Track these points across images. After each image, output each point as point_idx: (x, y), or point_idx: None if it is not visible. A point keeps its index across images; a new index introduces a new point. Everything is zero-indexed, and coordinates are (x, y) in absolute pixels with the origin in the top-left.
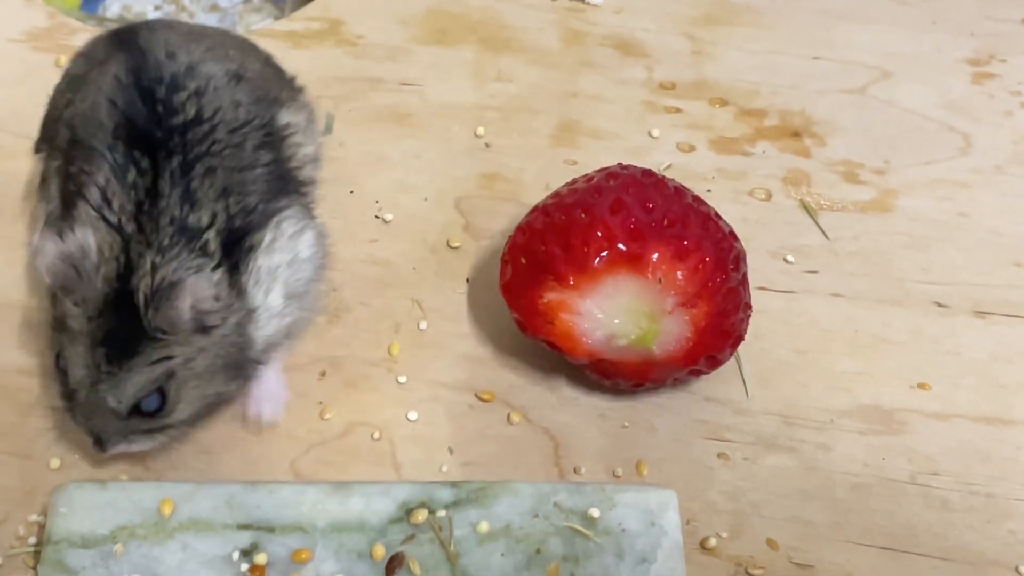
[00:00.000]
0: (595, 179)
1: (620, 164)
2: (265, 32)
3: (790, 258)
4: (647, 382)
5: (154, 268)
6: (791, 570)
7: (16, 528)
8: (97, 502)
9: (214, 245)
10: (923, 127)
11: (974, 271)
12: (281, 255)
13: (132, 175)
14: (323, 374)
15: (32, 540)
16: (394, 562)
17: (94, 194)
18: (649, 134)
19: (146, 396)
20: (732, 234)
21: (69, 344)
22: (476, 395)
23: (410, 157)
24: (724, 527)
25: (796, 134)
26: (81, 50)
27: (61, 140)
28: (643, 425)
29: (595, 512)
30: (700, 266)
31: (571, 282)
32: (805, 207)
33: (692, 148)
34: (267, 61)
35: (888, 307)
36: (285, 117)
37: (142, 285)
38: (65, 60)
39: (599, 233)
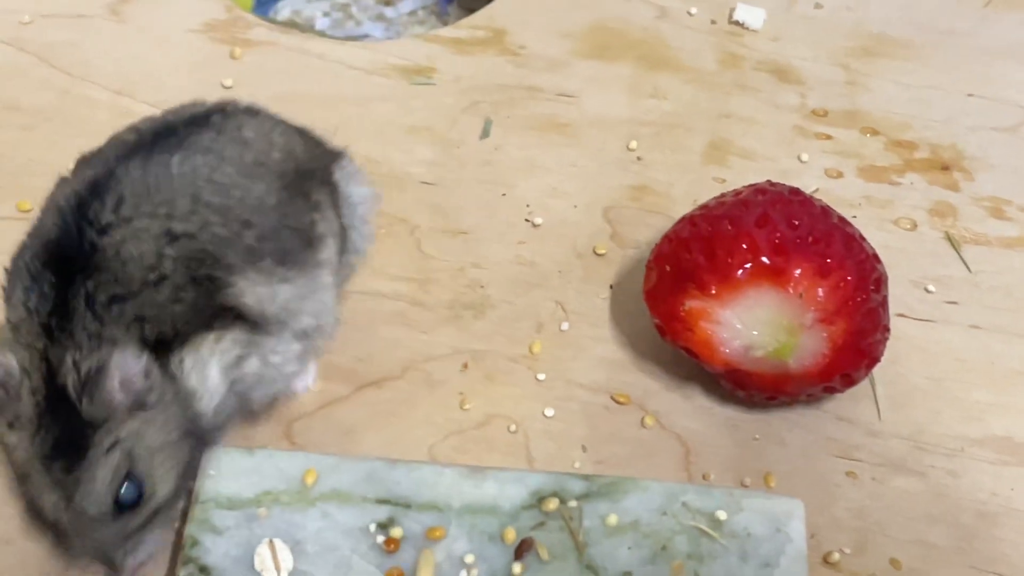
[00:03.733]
0: (743, 194)
1: (769, 181)
2: (431, 38)
3: (931, 288)
4: (781, 395)
5: (76, 364)
6: None
7: None
8: (244, 467)
9: (136, 344)
10: None
11: None
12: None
13: (45, 289)
14: (465, 366)
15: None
16: (523, 546)
17: (12, 312)
18: (798, 158)
19: (120, 486)
20: (875, 256)
21: (26, 481)
22: (612, 397)
23: (563, 165)
24: (848, 543)
25: (945, 167)
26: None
27: None
28: (774, 438)
29: (722, 514)
30: (841, 284)
31: (713, 291)
32: (949, 239)
33: (840, 174)
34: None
35: None
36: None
37: (70, 381)
38: (240, 52)
39: (744, 245)
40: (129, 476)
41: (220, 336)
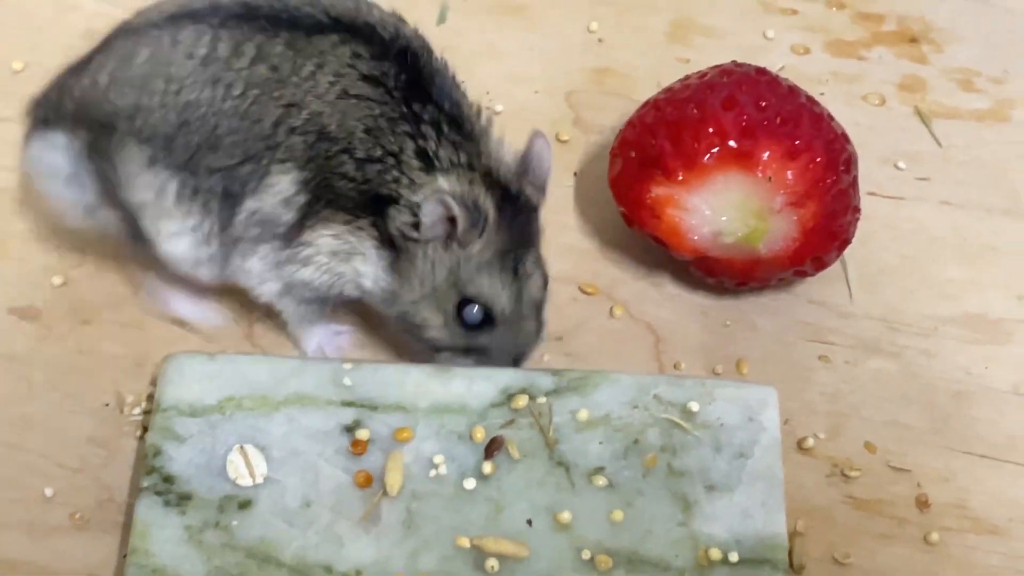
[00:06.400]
0: (708, 75)
1: (734, 62)
2: None
3: (901, 164)
4: (751, 281)
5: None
6: (887, 474)
7: (125, 396)
8: (206, 372)
9: None
10: None
11: None
12: None
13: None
14: None
15: (138, 409)
16: (493, 445)
17: (415, 162)
18: (764, 35)
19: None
20: (844, 136)
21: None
22: (579, 287)
23: (523, 49)
24: (822, 428)
25: (914, 40)
26: (201, 47)
27: (289, 149)
28: (745, 324)
29: (694, 405)
30: (811, 166)
31: (680, 177)
32: (919, 114)
33: (807, 50)
34: None
35: (999, 217)
36: None
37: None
38: None
39: (710, 129)
40: None
41: None
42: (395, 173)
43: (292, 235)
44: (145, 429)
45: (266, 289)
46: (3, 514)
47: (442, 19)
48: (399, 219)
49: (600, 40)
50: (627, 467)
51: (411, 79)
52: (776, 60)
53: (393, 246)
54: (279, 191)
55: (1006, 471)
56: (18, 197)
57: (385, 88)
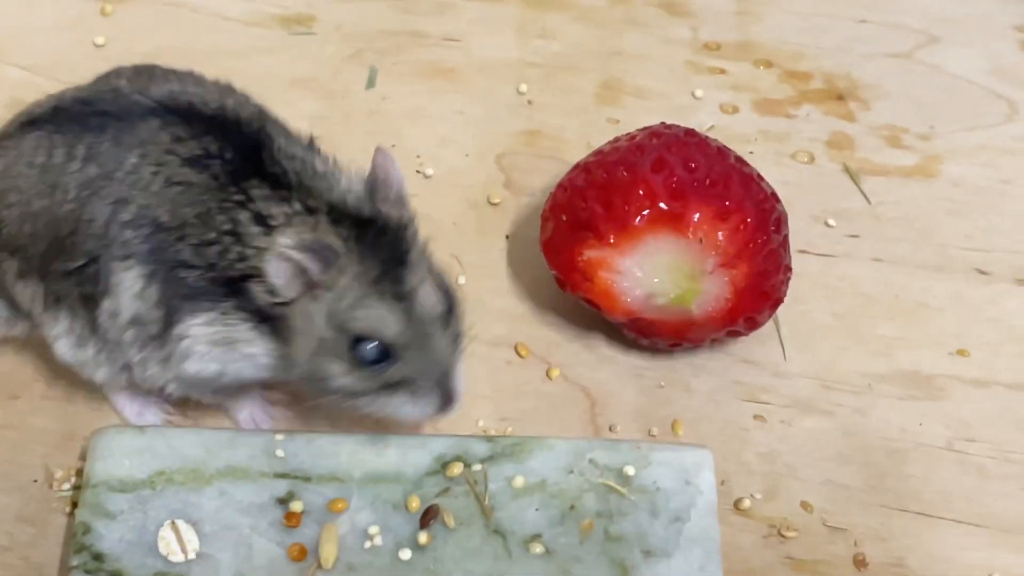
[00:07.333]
0: (638, 137)
1: (663, 123)
2: None
3: (831, 222)
4: (685, 342)
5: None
6: (824, 533)
7: (54, 471)
8: (136, 447)
9: None
10: (969, 92)
11: (1016, 238)
12: None
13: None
14: None
15: (67, 485)
16: (429, 514)
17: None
18: (693, 95)
19: (444, 286)
20: (774, 195)
21: (348, 321)
22: (515, 350)
23: (453, 112)
24: (758, 489)
25: (840, 97)
26: (39, 155)
27: (124, 245)
28: (680, 385)
29: (630, 470)
30: (741, 227)
31: (611, 240)
32: (848, 171)
33: (735, 109)
34: None
35: (929, 273)
36: None
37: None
38: (110, 9)
39: (640, 191)
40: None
41: None
42: (237, 250)
43: (164, 331)
44: (75, 505)
45: (172, 389)
46: None
47: (371, 83)
48: (259, 292)
49: (530, 102)
50: (564, 533)
51: (238, 153)
52: (705, 119)
53: (268, 317)
54: (128, 287)
55: (941, 527)
56: None
57: (209, 172)
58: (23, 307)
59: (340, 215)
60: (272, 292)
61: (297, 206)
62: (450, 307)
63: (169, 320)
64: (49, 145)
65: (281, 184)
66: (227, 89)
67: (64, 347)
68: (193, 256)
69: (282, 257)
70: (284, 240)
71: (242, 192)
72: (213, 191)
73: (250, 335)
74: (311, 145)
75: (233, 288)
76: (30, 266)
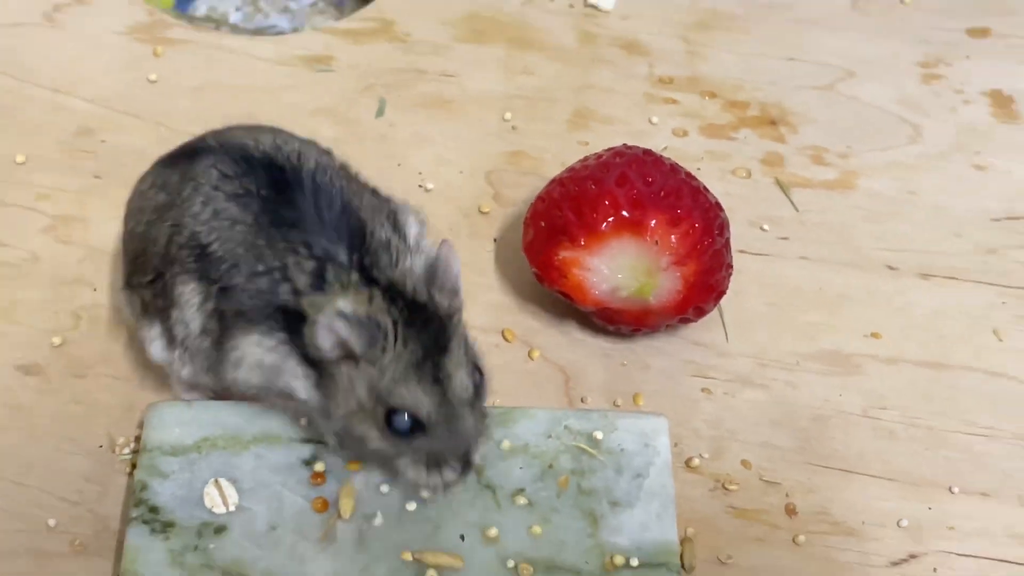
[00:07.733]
0: (604, 157)
1: (625, 144)
2: (328, 30)
3: (766, 227)
4: (644, 327)
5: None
6: (761, 487)
7: (116, 439)
8: (184, 418)
9: None
10: (880, 119)
11: (920, 240)
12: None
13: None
14: None
15: (127, 450)
16: None
17: (304, 278)
18: (650, 121)
19: (475, 369)
20: (718, 205)
21: (390, 396)
22: (501, 335)
23: (449, 137)
24: (706, 450)
25: (773, 123)
26: (145, 184)
27: (181, 263)
28: (640, 364)
29: (599, 434)
30: (690, 231)
31: (582, 243)
32: (779, 184)
33: (685, 133)
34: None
35: (848, 269)
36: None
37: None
38: (161, 51)
39: (606, 202)
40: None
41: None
42: (287, 285)
43: (222, 341)
44: (134, 467)
45: (234, 391)
46: (11, 543)
47: (380, 112)
48: (306, 334)
49: (514, 128)
50: (544, 488)
51: (276, 193)
52: (660, 142)
53: (316, 362)
54: (188, 300)
55: (859, 482)
56: (21, 270)
57: (251, 211)
58: (131, 312)
59: (396, 294)
60: (316, 347)
61: (354, 276)
62: (479, 390)
63: (224, 331)
64: (155, 177)
65: (341, 245)
66: (308, 143)
67: (156, 349)
68: (245, 281)
69: (327, 326)
70: (343, 307)
71: (285, 240)
72: (257, 229)
73: (297, 373)
74: (390, 213)
75: (289, 324)
76: (126, 277)
